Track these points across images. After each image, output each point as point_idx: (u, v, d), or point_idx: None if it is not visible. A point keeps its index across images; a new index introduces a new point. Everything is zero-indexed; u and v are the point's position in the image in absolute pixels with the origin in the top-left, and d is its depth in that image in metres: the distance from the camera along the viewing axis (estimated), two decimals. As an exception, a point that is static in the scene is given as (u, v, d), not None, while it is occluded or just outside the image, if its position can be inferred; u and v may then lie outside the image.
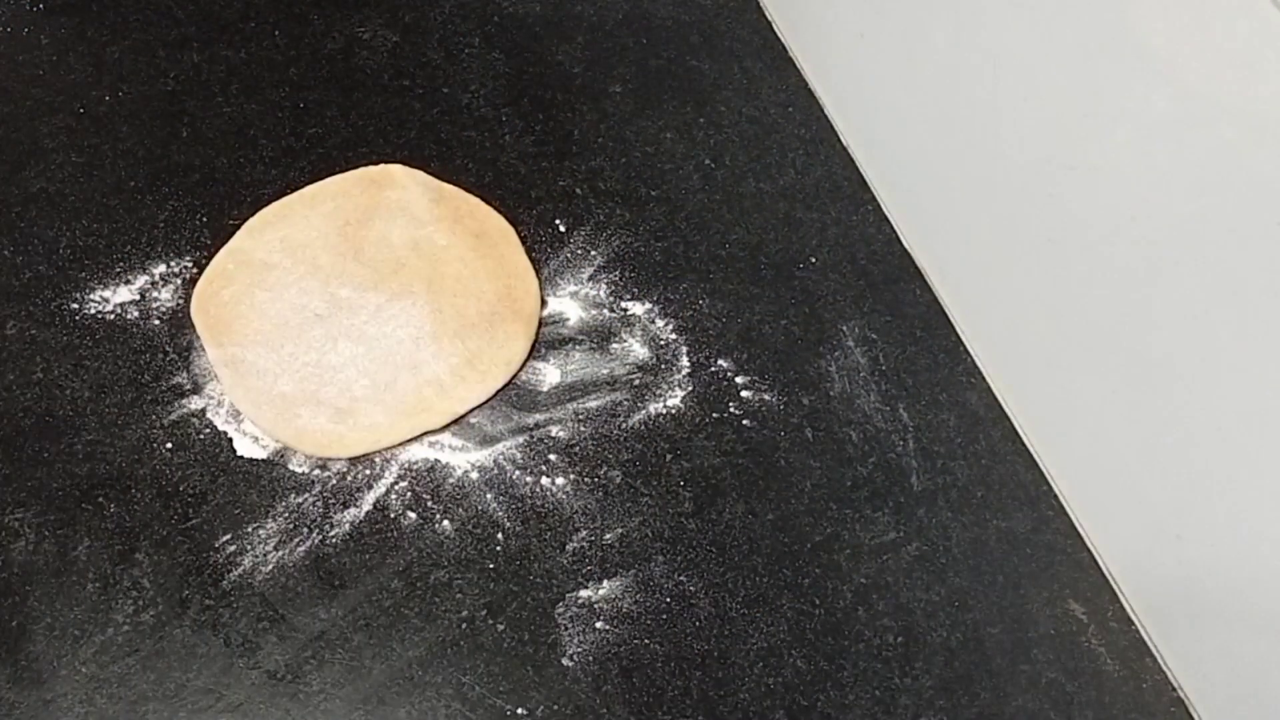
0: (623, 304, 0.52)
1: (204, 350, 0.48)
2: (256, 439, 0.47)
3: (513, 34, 0.61)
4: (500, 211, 0.54)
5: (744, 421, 0.50)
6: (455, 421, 0.48)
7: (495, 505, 0.47)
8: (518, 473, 0.48)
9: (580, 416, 0.49)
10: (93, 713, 0.40)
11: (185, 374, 0.48)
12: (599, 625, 0.44)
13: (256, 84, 0.56)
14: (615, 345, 0.51)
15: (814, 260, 0.55)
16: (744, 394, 0.51)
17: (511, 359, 0.50)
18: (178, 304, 0.50)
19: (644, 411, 0.50)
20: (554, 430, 0.49)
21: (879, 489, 0.49)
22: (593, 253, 0.54)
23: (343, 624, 0.43)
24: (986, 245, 0.52)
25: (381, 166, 0.55)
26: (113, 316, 0.49)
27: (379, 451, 0.47)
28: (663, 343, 0.52)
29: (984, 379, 0.53)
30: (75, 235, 0.51)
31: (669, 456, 0.49)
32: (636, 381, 0.50)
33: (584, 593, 0.45)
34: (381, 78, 0.58)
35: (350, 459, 0.47)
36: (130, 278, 0.50)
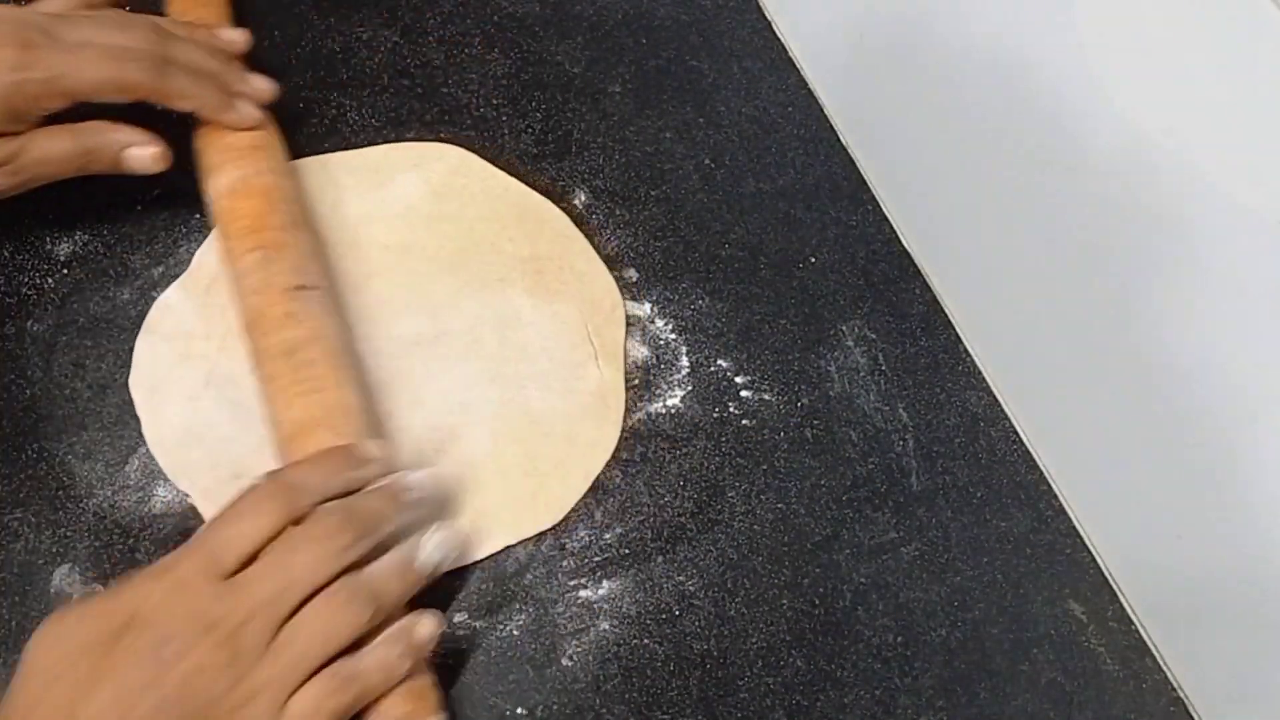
0: (622, 304, 0.52)
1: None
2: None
3: (513, 34, 0.61)
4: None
5: (744, 421, 0.50)
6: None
7: (495, 505, 0.47)
8: (517, 473, 0.48)
9: (580, 416, 0.49)
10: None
11: (185, 374, 0.48)
12: (599, 625, 0.44)
13: (256, 84, 0.56)
14: (615, 345, 0.51)
15: (814, 260, 0.55)
16: (744, 394, 0.51)
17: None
18: (177, 304, 0.50)
19: (644, 411, 0.50)
20: (554, 430, 0.49)
21: (879, 489, 0.49)
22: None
23: (342, 624, 0.43)
24: (986, 245, 0.52)
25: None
26: (113, 316, 0.49)
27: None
28: (662, 343, 0.52)
29: (984, 379, 0.53)
30: (75, 235, 0.51)
31: (669, 456, 0.49)
32: (636, 381, 0.50)
33: (584, 593, 0.45)
34: (381, 78, 0.58)
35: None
36: (130, 278, 0.50)
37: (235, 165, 0.47)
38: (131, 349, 0.48)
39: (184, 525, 0.44)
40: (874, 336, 0.53)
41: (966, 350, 0.53)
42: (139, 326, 0.48)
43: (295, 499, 0.36)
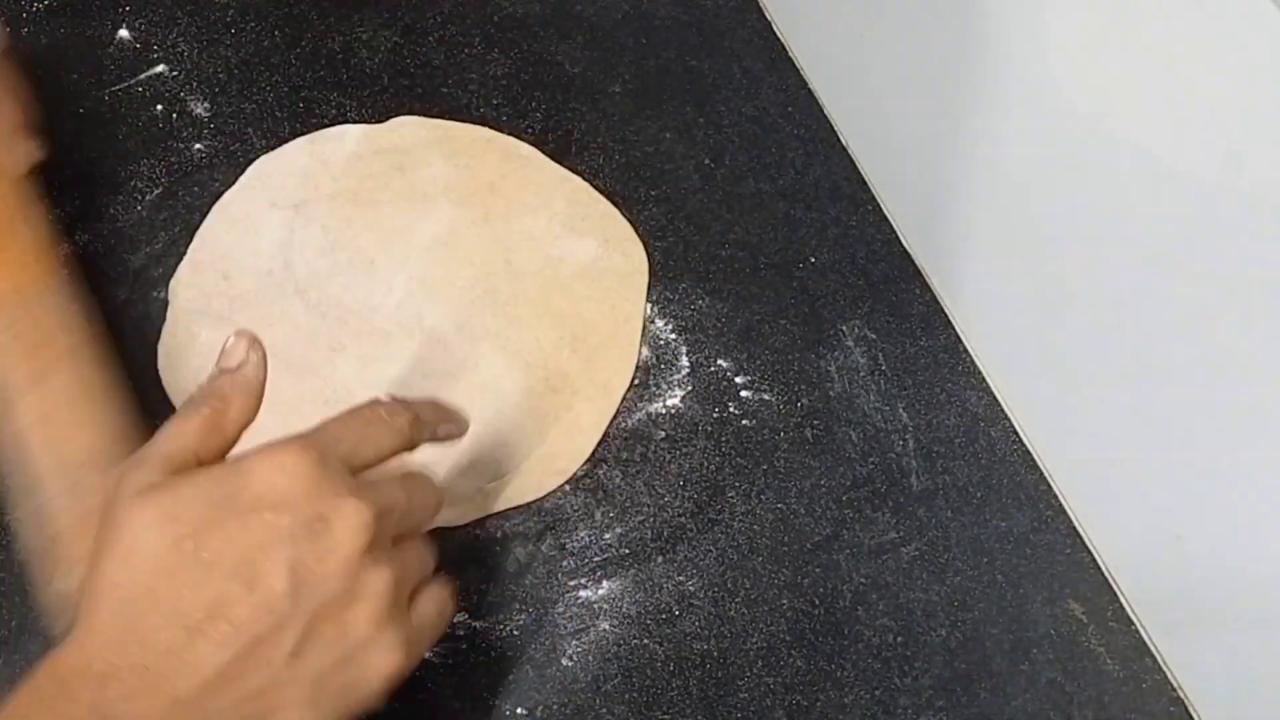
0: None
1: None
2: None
3: (513, 34, 0.61)
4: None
5: (744, 421, 0.50)
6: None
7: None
8: (517, 473, 0.48)
9: (580, 416, 0.49)
10: (92, 713, 0.40)
11: (185, 374, 0.48)
12: (599, 625, 0.44)
13: (255, 83, 0.57)
14: (615, 345, 0.51)
15: (814, 260, 0.55)
16: (744, 394, 0.51)
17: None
18: (177, 304, 0.50)
19: (644, 411, 0.50)
20: (554, 430, 0.49)
21: (879, 489, 0.49)
22: (592, 253, 0.54)
23: (342, 624, 0.43)
24: (986, 245, 0.52)
25: None
26: (113, 316, 0.49)
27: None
28: (662, 343, 0.52)
29: (984, 379, 0.53)
30: (75, 236, 0.51)
31: (669, 457, 0.49)
32: (636, 381, 0.50)
33: (584, 593, 0.45)
34: (381, 78, 0.58)
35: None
36: (130, 278, 0.50)
37: None
38: (130, 348, 0.48)
39: (184, 525, 0.44)
40: (874, 336, 0.53)
41: (966, 350, 0.53)
42: (139, 326, 0.48)
43: (415, 434, 0.37)
